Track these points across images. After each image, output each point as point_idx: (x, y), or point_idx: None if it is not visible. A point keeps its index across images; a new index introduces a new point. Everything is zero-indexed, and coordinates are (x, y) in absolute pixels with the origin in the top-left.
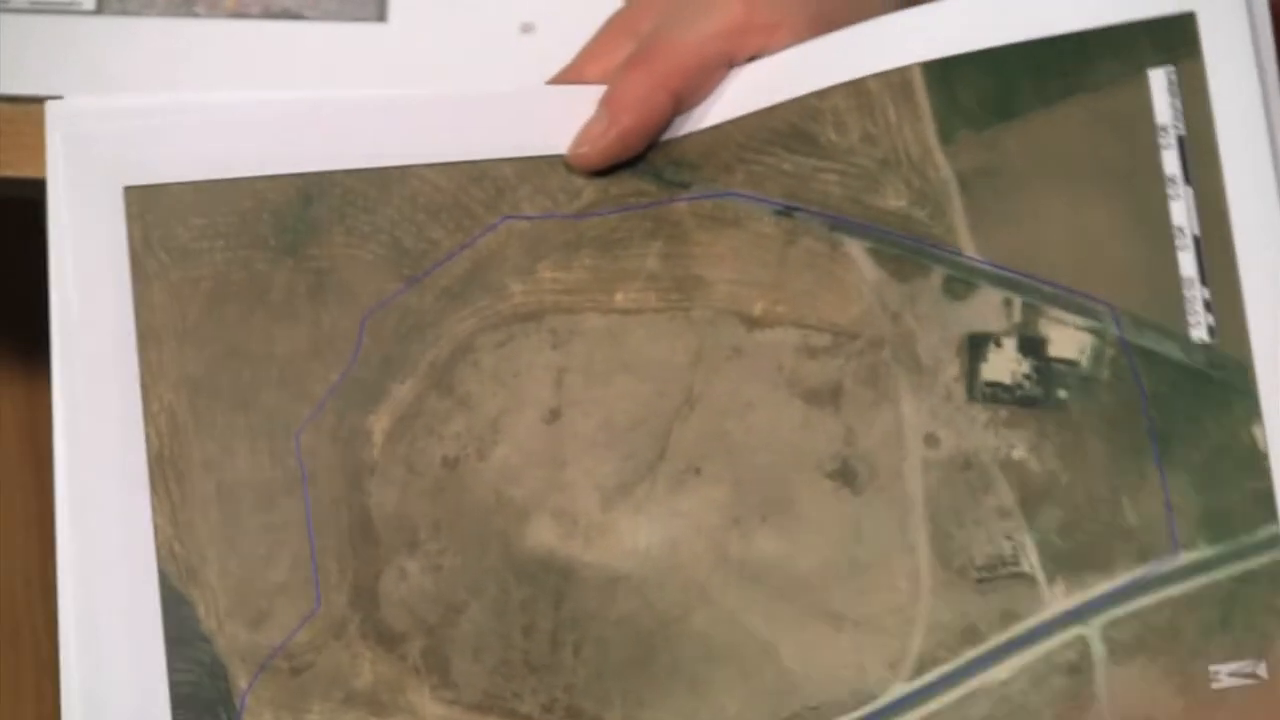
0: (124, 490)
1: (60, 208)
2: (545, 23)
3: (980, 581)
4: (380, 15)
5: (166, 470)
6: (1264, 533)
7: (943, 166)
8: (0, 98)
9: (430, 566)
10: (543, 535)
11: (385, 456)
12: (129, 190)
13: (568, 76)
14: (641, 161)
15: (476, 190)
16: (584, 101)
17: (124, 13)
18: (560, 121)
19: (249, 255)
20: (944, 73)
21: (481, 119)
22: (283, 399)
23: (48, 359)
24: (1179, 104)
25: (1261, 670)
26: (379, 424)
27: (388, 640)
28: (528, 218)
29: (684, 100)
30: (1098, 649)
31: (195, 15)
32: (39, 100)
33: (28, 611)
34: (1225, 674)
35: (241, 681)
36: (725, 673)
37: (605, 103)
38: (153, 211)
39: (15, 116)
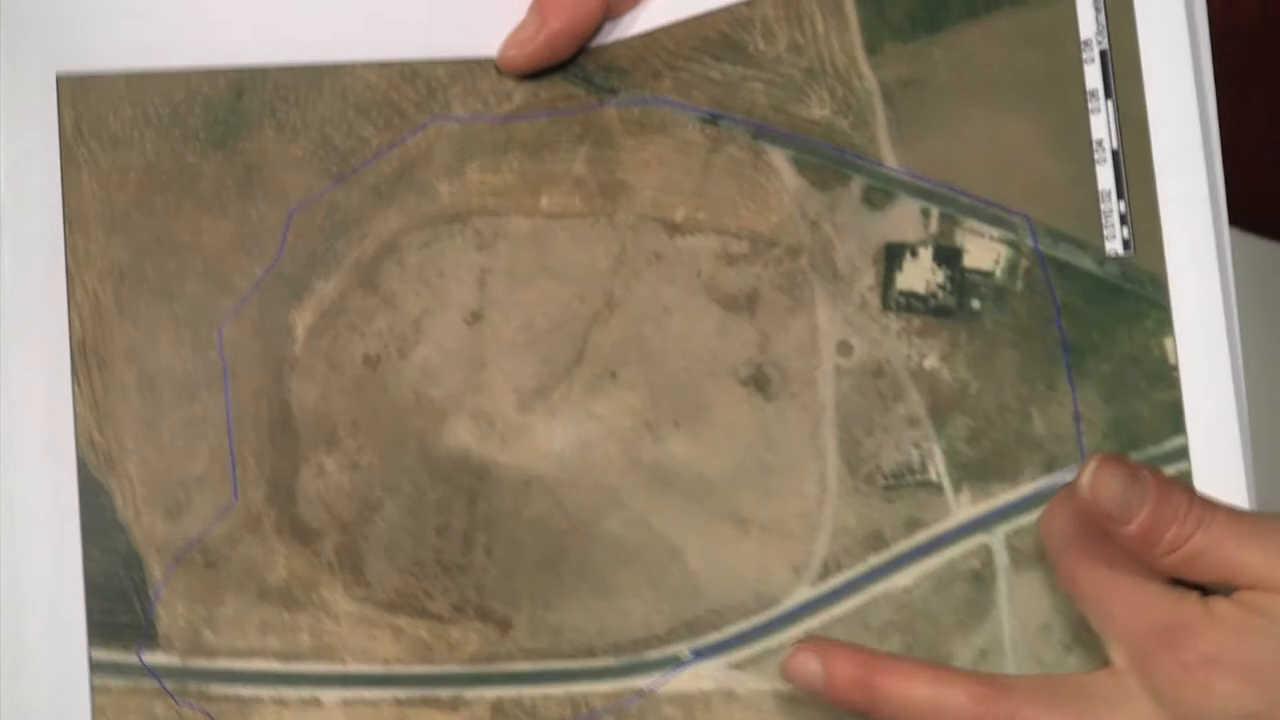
0: (46, 376)
1: None
2: None
3: (887, 489)
4: None
5: (89, 358)
6: (1171, 444)
7: (867, 77)
8: None
9: (348, 464)
10: (460, 436)
11: (307, 352)
12: (61, 78)
13: None
14: (572, 66)
15: (408, 89)
16: (517, 5)
17: None
18: (493, 24)
19: (179, 147)
20: None
21: (415, 18)
22: (207, 291)
23: None
24: (1103, 19)
25: None
26: (302, 319)
27: (303, 536)
28: (457, 119)
29: (614, 6)
30: (1001, 557)
31: None
32: None
33: None
34: None
35: (156, 572)
36: (632, 575)
37: (536, 6)
38: (84, 100)
39: None
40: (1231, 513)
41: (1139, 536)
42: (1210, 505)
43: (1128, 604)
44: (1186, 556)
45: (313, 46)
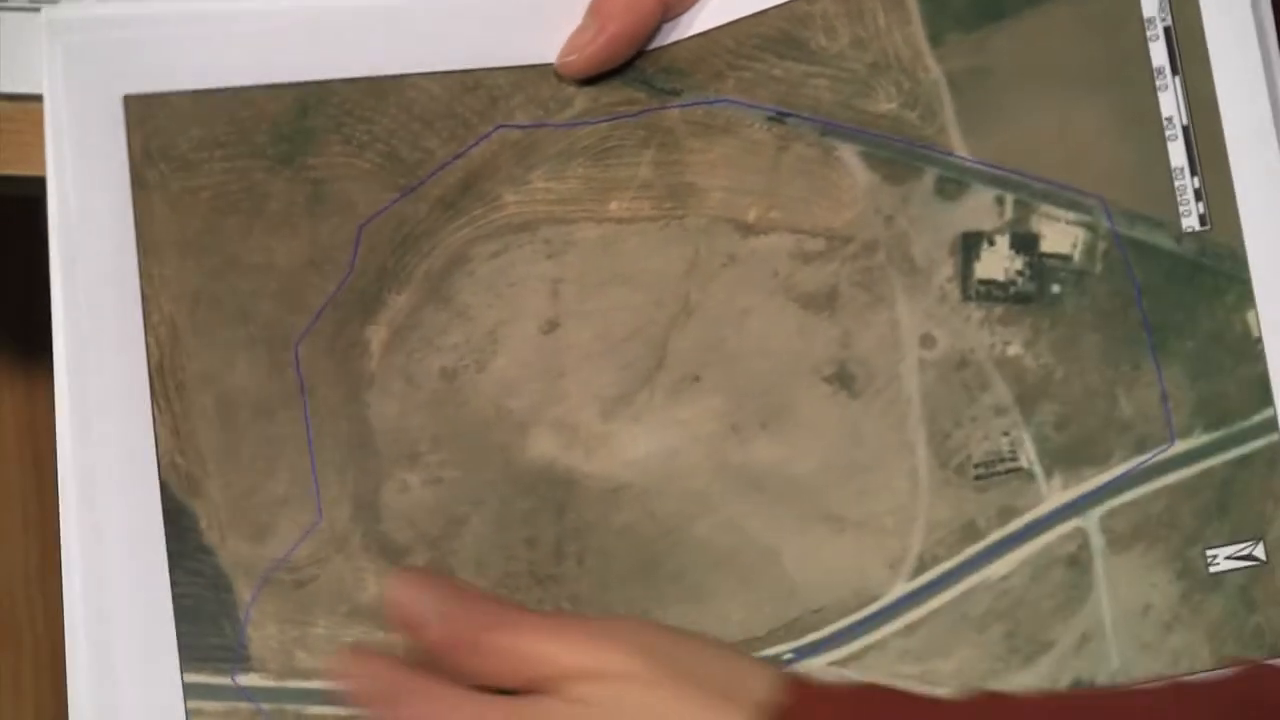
0: (125, 401)
1: (60, 118)
2: None
3: (978, 479)
4: None
5: (167, 381)
6: (1259, 417)
7: (933, 69)
8: None
9: (431, 479)
10: (543, 446)
11: (383, 368)
12: (128, 99)
13: None
14: (632, 69)
15: (470, 99)
16: (575, 10)
17: None
18: (552, 30)
19: (247, 165)
20: None
21: (475, 27)
22: (281, 310)
23: (48, 359)
24: None
25: (1259, 552)
26: (377, 335)
27: (391, 553)
28: (520, 126)
29: (672, 7)
30: (1096, 540)
31: None
32: (37, 99)
33: (28, 613)
34: (1223, 557)
35: (245, 594)
36: (728, 580)
37: (593, 10)
38: (152, 121)
39: (14, 114)
40: (535, 614)
41: (439, 642)
42: (511, 608)
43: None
44: (489, 655)
45: (375, 60)
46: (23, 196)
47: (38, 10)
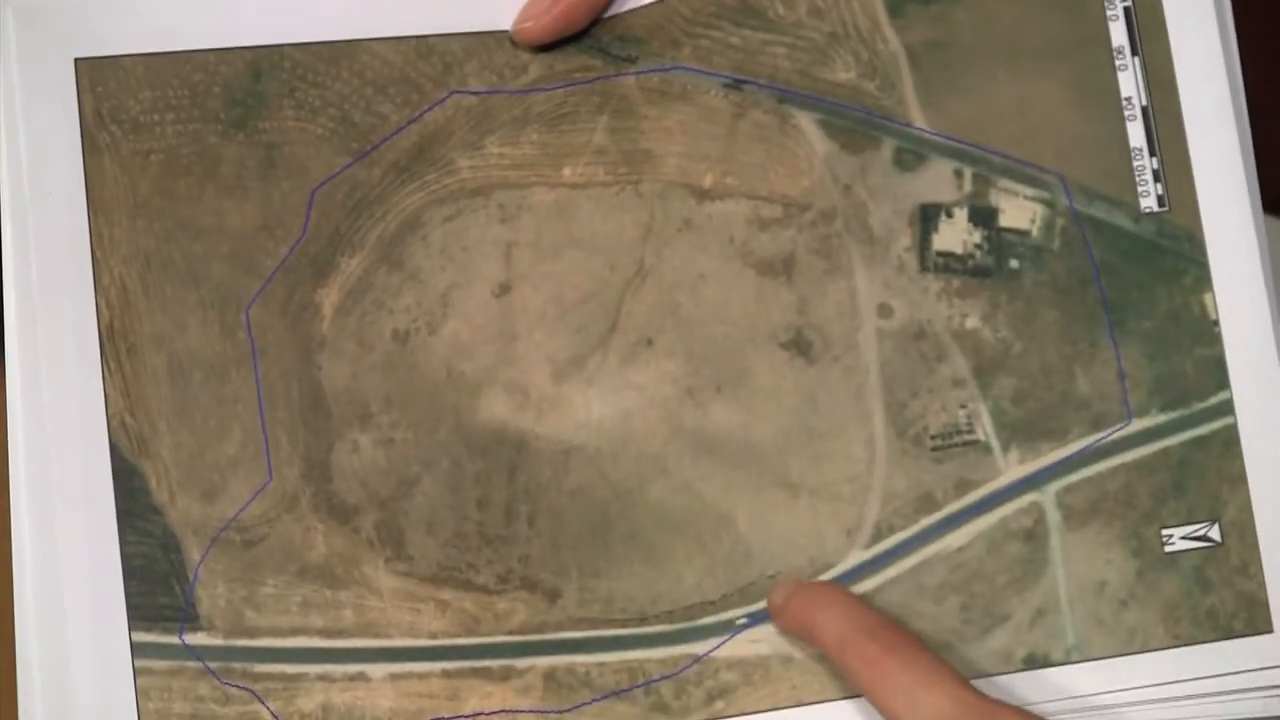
0: (76, 362)
1: (10, 80)
2: None
3: (935, 450)
4: None
5: (118, 343)
6: (1216, 399)
7: (891, 40)
8: None
9: (382, 440)
10: (495, 408)
11: (335, 330)
12: (80, 62)
13: None
14: (587, 37)
15: (424, 65)
16: None
17: None
18: None
19: (200, 129)
20: None
21: None
22: (233, 273)
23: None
24: None
25: (1214, 533)
26: (328, 298)
27: (340, 513)
28: (475, 93)
29: None
30: (1052, 515)
31: None
32: None
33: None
34: (1178, 537)
35: (194, 554)
36: (683, 542)
37: None
38: (104, 84)
39: None
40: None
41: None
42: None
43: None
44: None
45: (329, 24)
46: None
47: None
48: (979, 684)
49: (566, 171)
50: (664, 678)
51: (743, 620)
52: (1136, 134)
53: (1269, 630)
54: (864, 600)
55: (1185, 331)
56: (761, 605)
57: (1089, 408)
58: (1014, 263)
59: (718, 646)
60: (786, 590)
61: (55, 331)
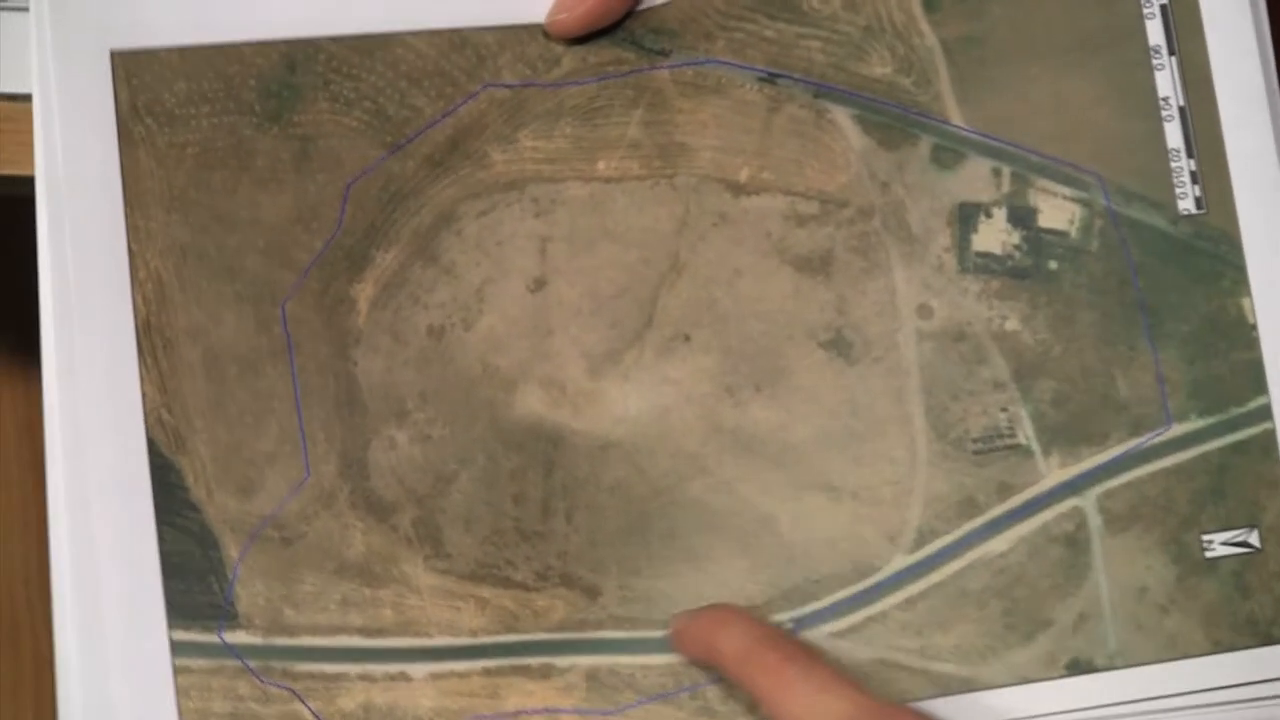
0: (111, 357)
1: (47, 73)
2: None
3: (976, 453)
4: None
5: (154, 337)
6: (1254, 403)
7: (927, 35)
8: None
9: (419, 436)
10: (530, 404)
11: (370, 325)
12: (116, 54)
13: None
14: (620, 30)
15: (458, 58)
16: None
17: None
18: None
19: (235, 121)
20: None
21: None
22: (268, 266)
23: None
24: None
25: (1254, 539)
26: (363, 292)
27: (378, 510)
28: (508, 85)
29: None
30: (1094, 520)
31: None
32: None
33: (27, 612)
34: (1218, 543)
35: (233, 551)
36: (724, 543)
37: None
38: (139, 76)
39: (14, 114)
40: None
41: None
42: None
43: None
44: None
45: (363, 17)
46: (23, 196)
47: None
48: (1022, 689)
49: (600, 165)
50: (710, 682)
51: (789, 625)
52: (1174, 134)
53: None
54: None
55: (1223, 335)
56: (808, 609)
57: (1128, 411)
58: (1052, 264)
59: None
60: (686, 616)
61: (91, 326)
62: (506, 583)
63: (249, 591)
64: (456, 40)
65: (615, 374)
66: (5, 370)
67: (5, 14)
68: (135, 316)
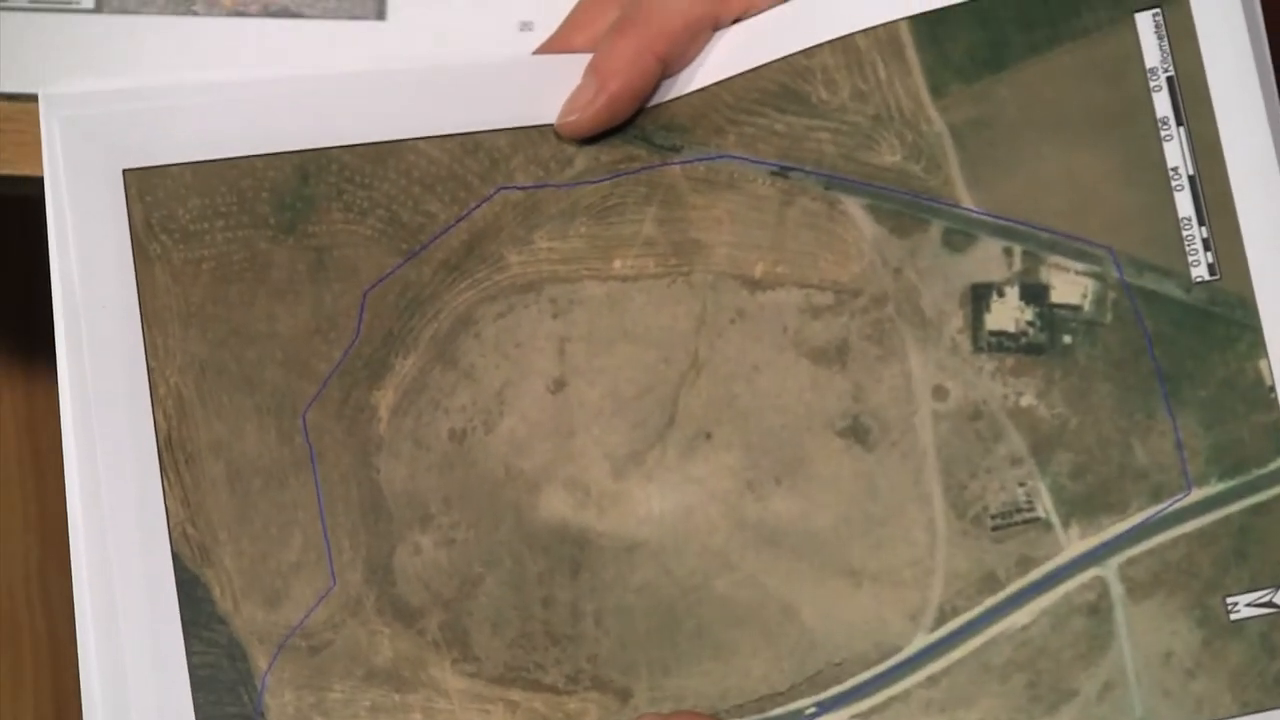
0: (135, 474)
1: (60, 193)
2: (544, 20)
3: (996, 529)
4: (379, 13)
5: (176, 453)
6: (1275, 464)
7: (935, 120)
8: None
9: (444, 540)
10: (555, 506)
11: (392, 432)
12: (128, 173)
13: (554, 45)
14: (631, 127)
15: (471, 162)
16: (573, 70)
17: (123, 10)
18: (550, 91)
19: (249, 235)
20: (932, 27)
21: (473, 90)
22: (288, 378)
23: (47, 358)
24: (1167, 46)
25: (1279, 599)
26: (384, 399)
27: (405, 616)
28: (522, 187)
29: (671, 64)
30: (1116, 588)
31: (194, 13)
32: (36, 99)
33: (27, 611)
34: (1243, 604)
35: (261, 662)
36: (749, 636)
37: (592, 69)
38: (152, 193)
39: (14, 114)
40: None
41: None
42: None
43: None
44: None
45: (374, 125)
46: (23, 196)
47: (38, 11)
48: None
49: (617, 264)
50: None
51: (811, 710)
52: (1185, 203)
53: None
54: None
55: (1241, 398)
56: (831, 693)
57: (1148, 479)
58: (1067, 338)
59: None
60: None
61: (113, 444)
62: (537, 686)
63: (278, 701)
64: (469, 144)
65: (639, 474)
66: (6, 369)
67: (5, 14)
68: (157, 433)
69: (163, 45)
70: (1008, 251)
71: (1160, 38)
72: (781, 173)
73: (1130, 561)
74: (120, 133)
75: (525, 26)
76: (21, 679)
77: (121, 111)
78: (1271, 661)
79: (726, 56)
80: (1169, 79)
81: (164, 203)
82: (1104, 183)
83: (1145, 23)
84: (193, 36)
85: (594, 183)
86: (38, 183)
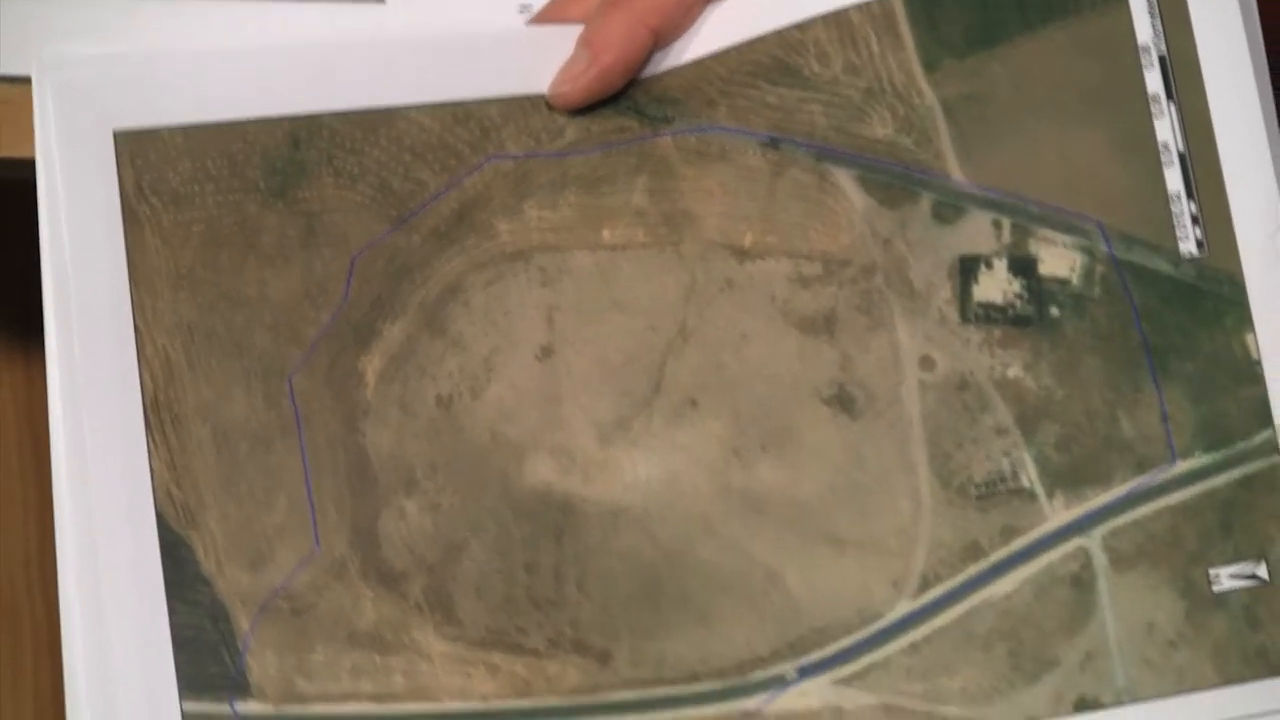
0: (120, 435)
1: (51, 155)
2: (543, 3)
3: (980, 499)
4: None
5: (162, 414)
6: (1260, 438)
7: (927, 94)
8: None
9: (429, 506)
10: (541, 472)
11: (378, 397)
12: (119, 135)
13: (549, 16)
14: (623, 98)
15: (462, 131)
16: (566, 40)
17: None
18: (543, 61)
19: (239, 199)
20: (925, 2)
21: (465, 59)
22: (275, 342)
23: (45, 342)
24: (1159, 24)
25: (1261, 571)
26: (371, 365)
27: (389, 580)
28: (512, 157)
29: (663, 36)
30: (1099, 558)
31: None
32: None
33: (27, 596)
34: (1226, 576)
35: (243, 623)
36: (732, 602)
37: (585, 41)
38: (143, 156)
39: (12, 96)
40: None
41: None
42: None
43: None
44: None
45: (366, 93)
46: (21, 179)
47: None
48: None
49: (606, 233)
50: None
51: (792, 674)
52: (1174, 179)
53: None
54: None
55: (1227, 372)
56: (812, 658)
57: (1133, 451)
58: (1055, 311)
59: (768, 701)
60: None
61: (100, 405)
62: (519, 649)
63: (260, 662)
64: (460, 114)
65: (624, 441)
66: (5, 353)
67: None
68: (143, 394)
69: (162, 29)
70: (997, 224)
71: (1153, 15)
72: (772, 144)
73: (1114, 532)
74: (112, 95)
75: (524, 9)
76: (21, 665)
77: (114, 75)
78: (1254, 633)
79: (719, 29)
80: (1160, 57)
81: (154, 166)
82: (1094, 158)
83: (1138, 1)
84: (192, 20)
85: (585, 153)
86: (34, 165)
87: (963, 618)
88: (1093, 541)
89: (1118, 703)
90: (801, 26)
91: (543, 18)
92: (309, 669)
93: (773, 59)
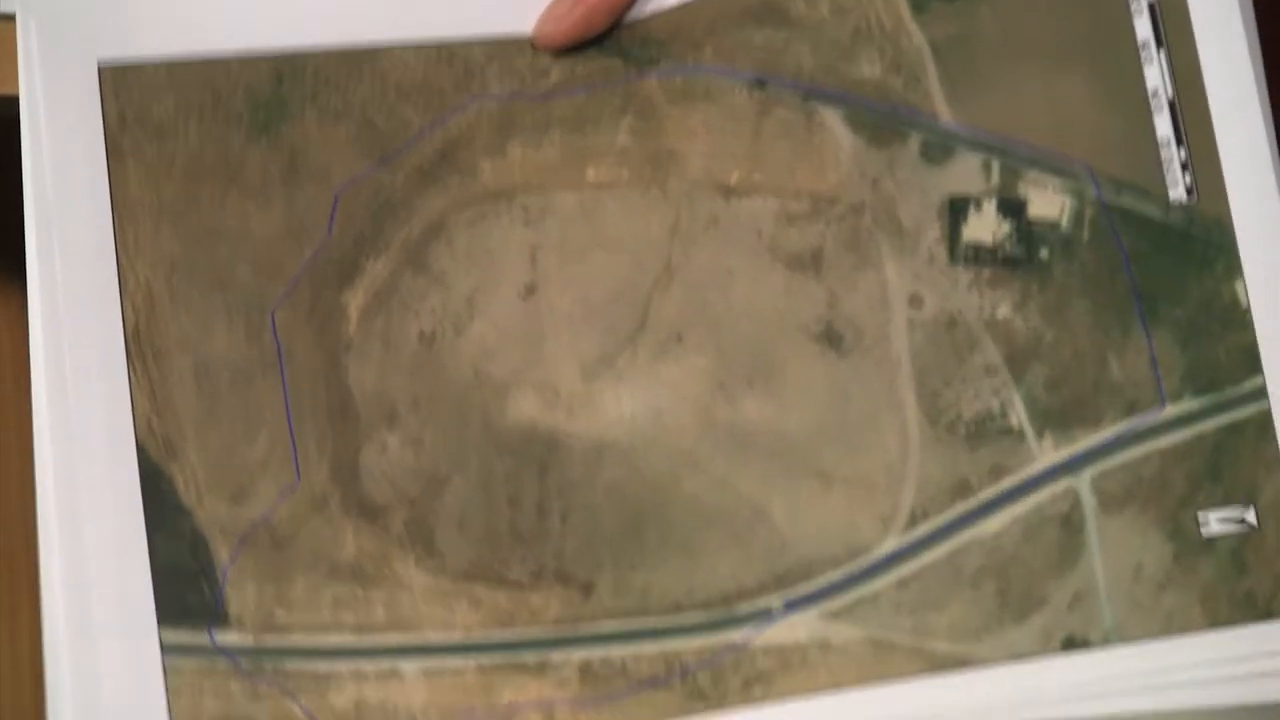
0: (101, 366)
1: (34, 88)
2: None
3: (969, 437)
4: None
5: (144, 347)
6: (1249, 384)
7: (915, 35)
8: None
9: (411, 440)
10: (524, 408)
11: (361, 333)
12: (103, 68)
13: None
14: (608, 41)
15: (446, 70)
16: None
17: None
18: (528, 1)
19: (223, 133)
20: None
21: None
22: (258, 277)
23: None
24: None
25: (1250, 516)
26: (354, 301)
27: (369, 513)
28: (496, 97)
29: None
30: (1088, 500)
31: None
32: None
33: (25, 548)
34: (1214, 520)
35: (223, 554)
36: (718, 536)
37: None
38: (127, 89)
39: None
40: None
41: None
42: None
43: None
44: None
45: (351, 30)
46: (5, 116)
47: None
48: (1017, 666)
49: (590, 173)
50: (701, 666)
51: (779, 607)
52: (1164, 125)
53: None
54: None
55: (1217, 318)
56: (799, 591)
57: (1123, 394)
58: (1044, 253)
59: (754, 634)
60: None
61: (81, 336)
62: (501, 581)
63: (239, 593)
64: (445, 53)
65: (609, 376)
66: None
67: None
68: (125, 326)
69: None
70: (986, 165)
71: None
72: (759, 84)
73: (1103, 474)
74: (96, 27)
75: None
76: (19, 616)
77: (97, 7)
78: (1241, 578)
79: None
80: (1150, 4)
81: (138, 99)
82: (1083, 102)
83: None
84: None
85: (569, 94)
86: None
87: (951, 555)
88: (1082, 482)
89: (1105, 643)
90: None
91: None
92: (289, 600)
93: (759, 1)
